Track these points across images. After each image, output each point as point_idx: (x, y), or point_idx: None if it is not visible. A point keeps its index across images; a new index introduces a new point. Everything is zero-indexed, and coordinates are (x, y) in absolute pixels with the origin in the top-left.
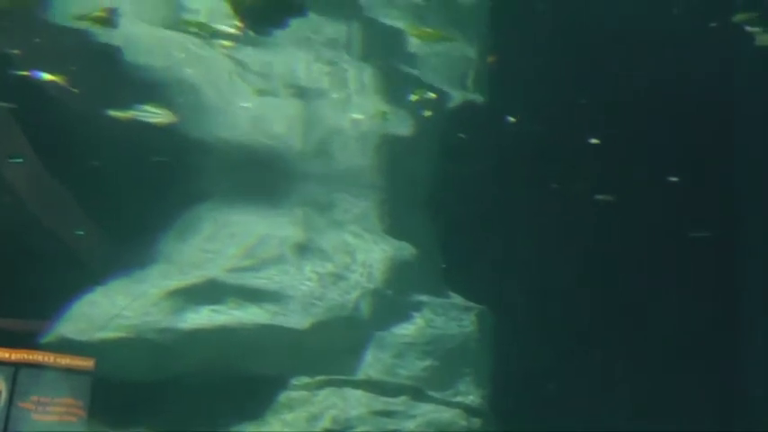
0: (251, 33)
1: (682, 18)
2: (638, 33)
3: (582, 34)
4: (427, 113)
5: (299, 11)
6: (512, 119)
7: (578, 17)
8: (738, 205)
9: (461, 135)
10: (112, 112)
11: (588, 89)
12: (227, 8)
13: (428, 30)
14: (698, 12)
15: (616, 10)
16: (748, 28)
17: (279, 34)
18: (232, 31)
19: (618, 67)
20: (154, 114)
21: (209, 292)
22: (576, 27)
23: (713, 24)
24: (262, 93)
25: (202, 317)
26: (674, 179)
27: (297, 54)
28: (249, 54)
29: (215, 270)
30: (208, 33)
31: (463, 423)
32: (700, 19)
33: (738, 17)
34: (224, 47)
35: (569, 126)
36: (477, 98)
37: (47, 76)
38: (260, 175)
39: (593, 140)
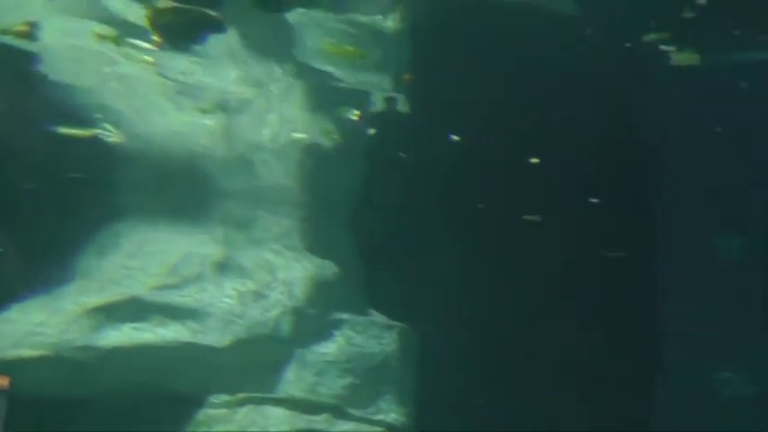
0: (168, 48)
1: (597, 38)
2: (554, 54)
3: (499, 54)
4: (350, 131)
5: (218, 26)
6: (447, 137)
7: (496, 37)
8: (655, 224)
9: (384, 153)
10: (68, 130)
11: (509, 107)
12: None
13: (348, 48)
14: (612, 32)
15: (534, 29)
16: (663, 47)
17: (200, 49)
18: (149, 46)
19: (534, 87)
20: (110, 133)
21: (129, 310)
22: (494, 46)
23: (628, 44)
24: (183, 108)
25: (123, 335)
26: (594, 200)
27: (220, 70)
28: (171, 68)
29: (134, 287)
30: (125, 47)
31: None
32: (614, 39)
33: (650, 36)
34: (146, 62)
35: (491, 144)
36: (402, 115)
37: None
38: (180, 192)
39: (534, 160)
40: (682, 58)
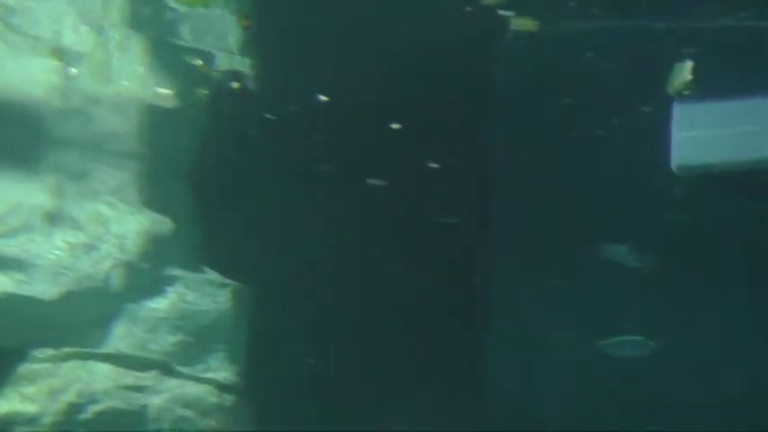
0: None
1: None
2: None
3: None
4: (193, 83)
5: None
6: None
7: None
8: (490, 194)
9: (226, 106)
10: None
11: (352, 68)
12: None
13: None
14: None
15: None
16: (502, 12)
17: None
18: None
19: (376, 50)
20: None
21: None
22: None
23: (468, 9)
24: (17, 50)
25: None
26: (433, 165)
27: (58, 14)
28: (5, 8)
29: None
30: None
31: (214, 399)
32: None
33: (487, 1)
34: None
35: (333, 102)
36: (243, 68)
37: None
38: (11, 138)
39: (395, 125)
40: (521, 23)
